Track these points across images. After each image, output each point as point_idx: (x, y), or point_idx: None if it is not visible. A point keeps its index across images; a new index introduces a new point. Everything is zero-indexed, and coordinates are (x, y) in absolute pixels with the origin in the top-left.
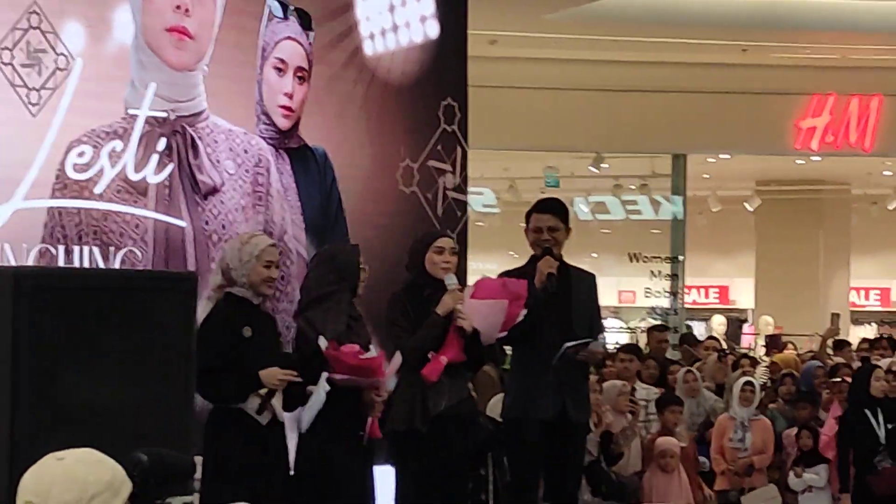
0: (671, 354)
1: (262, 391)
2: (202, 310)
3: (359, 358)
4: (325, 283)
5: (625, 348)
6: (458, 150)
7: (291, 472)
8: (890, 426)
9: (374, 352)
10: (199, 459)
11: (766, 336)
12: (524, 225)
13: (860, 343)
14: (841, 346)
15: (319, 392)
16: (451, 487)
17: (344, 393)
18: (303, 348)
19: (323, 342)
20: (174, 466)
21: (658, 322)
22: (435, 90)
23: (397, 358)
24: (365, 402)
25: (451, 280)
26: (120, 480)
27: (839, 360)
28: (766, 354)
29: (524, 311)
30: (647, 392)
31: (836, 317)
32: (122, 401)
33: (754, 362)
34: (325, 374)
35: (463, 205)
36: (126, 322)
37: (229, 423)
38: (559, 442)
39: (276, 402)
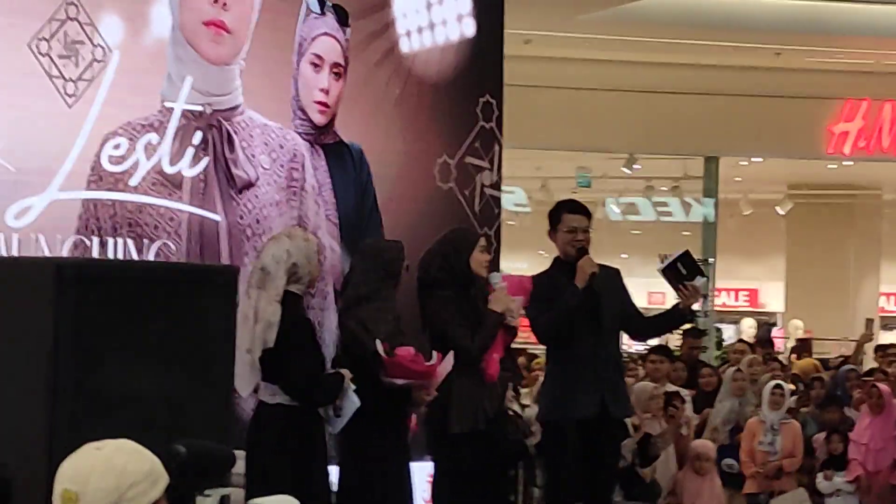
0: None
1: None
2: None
3: (420, 365)
4: (372, 279)
5: (655, 349)
6: (496, 147)
7: (334, 466)
8: None
9: (433, 358)
10: (240, 454)
11: (796, 339)
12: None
13: (876, 349)
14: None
15: (353, 397)
16: (498, 486)
17: (391, 390)
18: (354, 349)
19: (380, 347)
20: (213, 459)
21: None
22: (473, 87)
23: (450, 359)
24: (413, 401)
25: (496, 278)
26: (158, 471)
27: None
28: (798, 358)
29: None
30: (672, 391)
31: (870, 322)
32: (162, 392)
33: (784, 367)
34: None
35: (499, 202)
36: (166, 314)
37: (294, 419)
38: (598, 439)
39: None
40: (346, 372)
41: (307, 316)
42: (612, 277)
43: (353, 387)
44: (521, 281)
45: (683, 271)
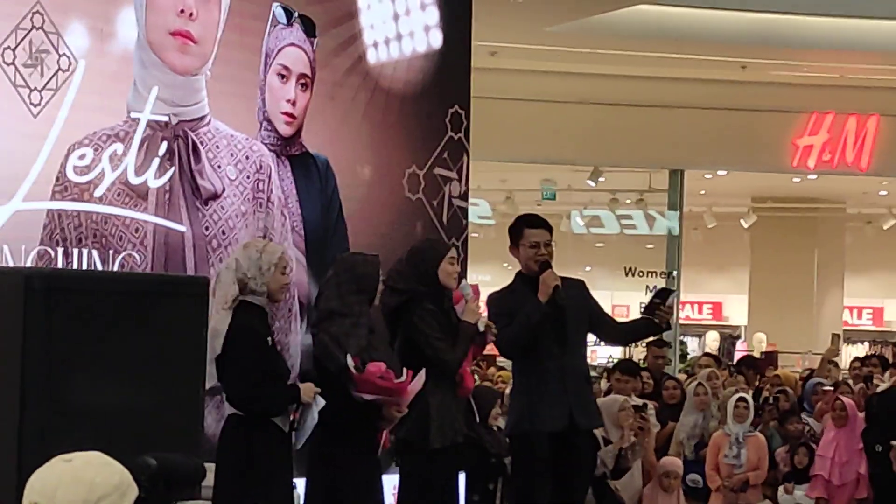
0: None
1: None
2: (217, 320)
3: (390, 382)
4: (344, 293)
5: (621, 367)
6: (464, 158)
7: (306, 480)
8: None
9: (403, 376)
10: (209, 466)
11: (761, 353)
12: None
13: (852, 362)
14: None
15: (314, 412)
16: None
17: (361, 405)
18: (325, 362)
19: (350, 362)
20: (182, 471)
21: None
22: (441, 98)
23: (421, 377)
24: (384, 417)
25: (467, 288)
26: (127, 484)
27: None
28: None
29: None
30: (639, 404)
31: (836, 337)
32: (132, 404)
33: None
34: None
35: (466, 212)
36: (137, 325)
37: (255, 431)
38: (568, 451)
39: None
40: (306, 387)
41: (256, 326)
42: (576, 289)
43: (318, 403)
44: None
45: (657, 300)
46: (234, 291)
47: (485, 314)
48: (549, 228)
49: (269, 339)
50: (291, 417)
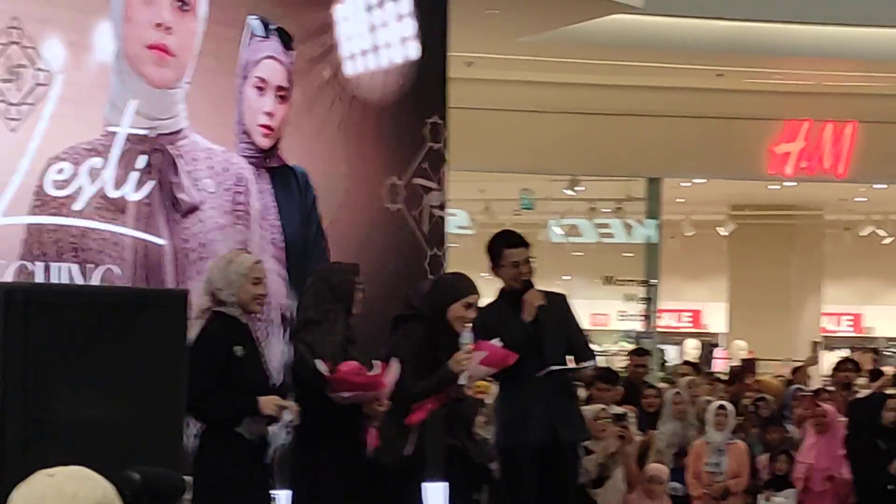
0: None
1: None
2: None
3: (363, 375)
4: (320, 303)
5: (601, 378)
6: (444, 167)
7: (291, 491)
8: None
9: (376, 368)
10: (190, 480)
11: (741, 360)
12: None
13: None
14: (877, 376)
15: (279, 426)
16: None
17: (340, 408)
18: (301, 372)
19: (322, 367)
20: (166, 485)
21: (635, 346)
22: (421, 108)
23: (395, 366)
24: (367, 414)
25: (466, 339)
26: (110, 498)
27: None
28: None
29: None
30: (619, 412)
31: (816, 345)
32: (113, 418)
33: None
34: (289, 411)
35: (445, 222)
36: (117, 339)
37: (222, 442)
38: (552, 464)
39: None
40: (266, 400)
41: (218, 335)
42: (557, 302)
43: (284, 418)
44: (506, 356)
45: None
46: (204, 302)
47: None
48: (527, 245)
49: (241, 349)
50: (249, 429)
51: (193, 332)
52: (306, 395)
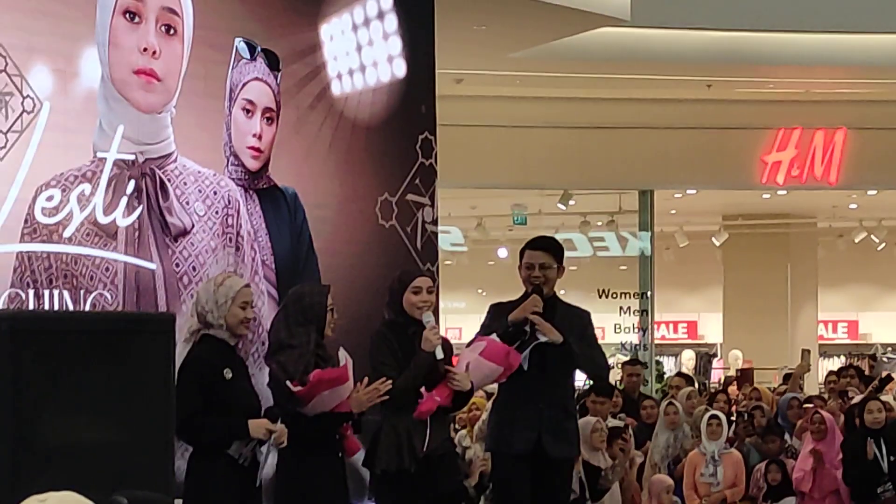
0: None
1: (248, 440)
2: (179, 354)
3: (327, 371)
4: (291, 324)
5: (597, 391)
6: (436, 183)
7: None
8: (893, 457)
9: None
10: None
11: (737, 370)
12: (503, 257)
13: (828, 375)
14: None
15: (271, 449)
16: None
17: (317, 423)
18: (275, 392)
19: (290, 385)
20: None
21: (630, 357)
22: (412, 124)
23: (343, 354)
24: (353, 403)
25: (428, 318)
26: None
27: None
28: (738, 388)
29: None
30: (619, 425)
31: (806, 353)
32: (103, 442)
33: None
34: (277, 434)
35: (437, 238)
36: (105, 364)
37: (211, 464)
38: (539, 477)
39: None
40: (256, 423)
41: (207, 357)
42: (579, 318)
43: (273, 442)
44: (508, 352)
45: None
46: (192, 324)
47: (476, 363)
48: (552, 252)
49: (229, 371)
50: (240, 453)
51: (180, 354)
52: (285, 415)
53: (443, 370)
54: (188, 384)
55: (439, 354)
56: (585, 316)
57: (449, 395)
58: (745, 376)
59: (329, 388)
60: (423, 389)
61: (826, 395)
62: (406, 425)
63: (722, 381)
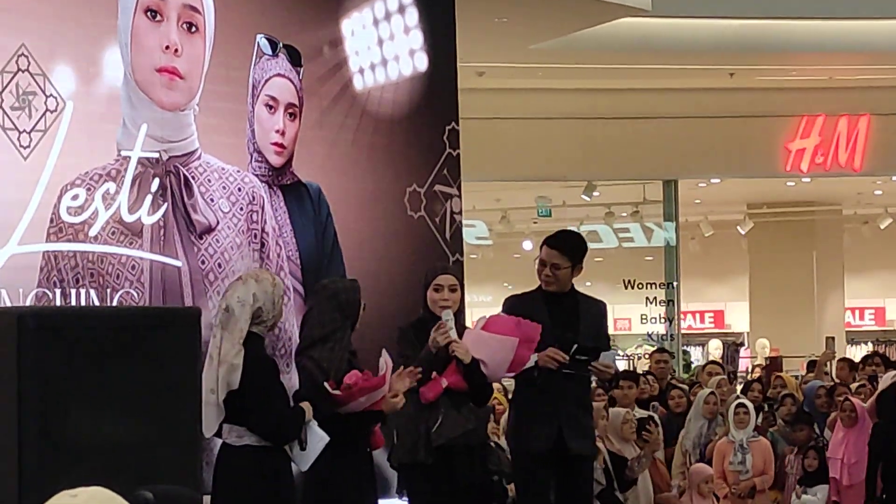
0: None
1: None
2: (233, 355)
3: (368, 380)
4: (328, 321)
5: (625, 375)
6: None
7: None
8: None
9: (382, 365)
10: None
11: (766, 358)
12: (528, 249)
13: (840, 361)
14: None
15: (315, 430)
16: None
17: (347, 423)
18: (309, 388)
19: (327, 387)
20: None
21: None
22: (439, 115)
23: (385, 357)
24: (385, 411)
25: (447, 316)
26: None
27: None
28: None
29: (534, 357)
30: (644, 416)
31: (830, 340)
32: (129, 438)
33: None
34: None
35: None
36: (130, 359)
37: (269, 460)
38: (561, 473)
39: None
40: (306, 405)
41: (267, 355)
42: (595, 307)
43: (314, 421)
44: (518, 323)
45: (584, 357)
46: (247, 325)
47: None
48: (563, 250)
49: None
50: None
51: (237, 357)
52: (315, 412)
53: (441, 364)
54: (270, 384)
55: (463, 358)
56: (602, 307)
57: (461, 380)
58: (773, 365)
59: (367, 395)
60: (434, 374)
61: (858, 383)
62: (425, 418)
63: (749, 370)
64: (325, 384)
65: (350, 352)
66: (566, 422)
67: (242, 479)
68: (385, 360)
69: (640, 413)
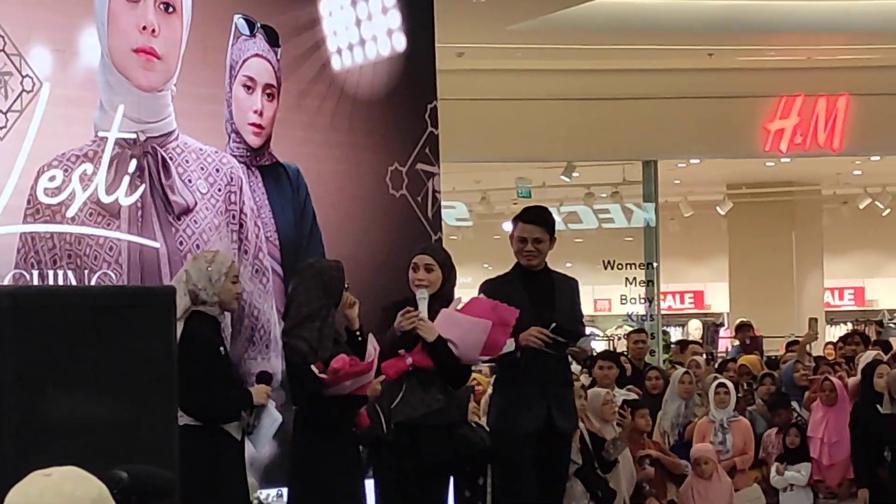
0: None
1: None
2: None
3: (355, 365)
4: (314, 298)
5: (604, 356)
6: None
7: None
8: None
9: (370, 351)
10: None
11: (746, 339)
12: (508, 230)
13: (836, 343)
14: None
15: (271, 413)
16: (426, 499)
17: (332, 402)
18: (296, 368)
19: (314, 370)
20: (154, 484)
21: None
22: (420, 93)
23: (372, 341)
24: (369, 395)
25: (422, 295)
26: (105, 497)
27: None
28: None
29: (511, 342)
30: (624, 397)
31: (813, 321)
32: (105, 418)
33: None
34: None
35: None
36: (106, 338)
37: (207, 440)
38: (546, 451)
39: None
40: (258, 389)
41: (208, 334)
42: (568, 284)
43: (272, 403)
44: (495, 306)
45: (563, 340)
46: (185, 303)
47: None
48: (545, 226)
49: (222, 348)
50: (245, 423)
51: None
52: (302, 391)
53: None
54: (201, 363)
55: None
56: (574, 284)
57: (426, 359)
58: (753, 345)
59: (353, 379)
60: (401, 352)
61: (836, 363)
62: (388, 396)
63: (728, 350)
64: (312, 366)
65: (336, 334)
66: (554, 401)
67: (185, 460)
68: (372, 345)
69: (621, 394)
